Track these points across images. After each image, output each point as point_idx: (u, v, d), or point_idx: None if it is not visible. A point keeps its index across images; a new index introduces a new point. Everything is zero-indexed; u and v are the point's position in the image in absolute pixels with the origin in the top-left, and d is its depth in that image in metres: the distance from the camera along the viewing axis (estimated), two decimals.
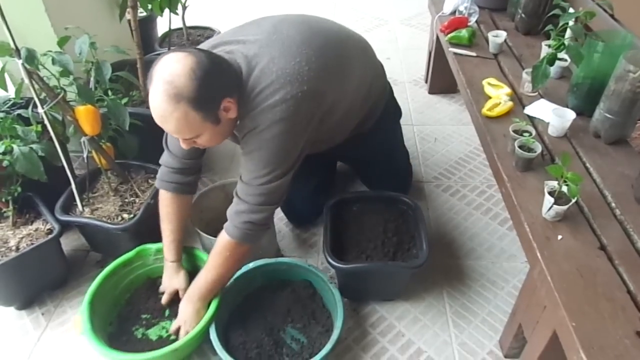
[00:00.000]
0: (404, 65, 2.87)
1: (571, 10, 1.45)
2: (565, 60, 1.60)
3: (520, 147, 1.24)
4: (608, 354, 0.86)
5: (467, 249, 1.70)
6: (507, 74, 1.70)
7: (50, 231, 1.51)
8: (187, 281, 1.39)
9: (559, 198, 1.08)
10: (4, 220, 1.53)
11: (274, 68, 1.13)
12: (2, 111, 1.60)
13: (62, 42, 1.44)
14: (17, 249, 1.44)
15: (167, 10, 2.16)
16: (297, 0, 3.67)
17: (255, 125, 1.14)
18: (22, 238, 1.47)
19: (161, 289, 1.45)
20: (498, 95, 1.51)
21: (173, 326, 1.33)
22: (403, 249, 1.49)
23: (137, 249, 1.49)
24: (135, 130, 1.59)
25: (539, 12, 1.85)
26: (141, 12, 2.42)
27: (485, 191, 1.94)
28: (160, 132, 1.18)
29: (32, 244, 1.45)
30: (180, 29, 2.48)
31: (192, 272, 1.40)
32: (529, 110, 1.48)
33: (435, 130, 2.31)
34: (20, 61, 1.27)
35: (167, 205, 1.40)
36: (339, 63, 1.30)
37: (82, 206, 1.58)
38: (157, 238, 1.45)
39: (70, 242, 1.75)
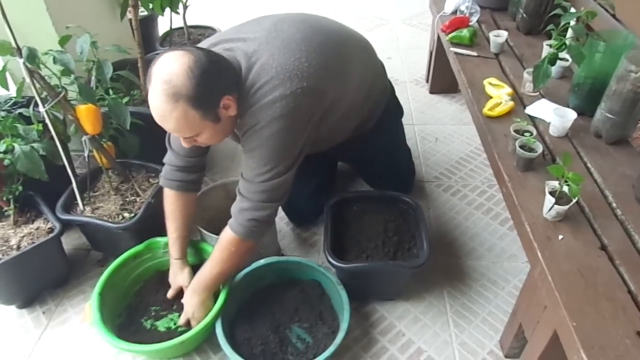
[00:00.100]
0: (404, 64, 2.87)
1: (572, 10, 1.45)
2: (567, 60, 1.59)
3: (521, 147, 1.24)
4: (609, 354, 0.86)
5: (468, 248, 1.70)
6: (508, 73, 1.70)
7: (51, 230, 1.51)
8: (190, 279, 1.40)
9: (559, 198, 1.08)
10: (5, 219, 1.53)
11: (274, 64, 1.13)
12: (4, 110, 1.61)
13: (63, 41, 1.44)
14: (18, 247, 1.44)
15: (168, 10, 2.16)
16: None
17: (255, 122, 1.14)
18: (23, 237, 1.47)
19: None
20: (499, 95, 1.51)
21: (181, 319, 1.35)
22: (403, 248, 1.49)
23: (147, 242, 1.51)
24: (136, 130, 1.59)
25: (540, 12, 1.85)
26: (142, 11, 2.43)
27: (486, 191, 1.94)
28: (161, 131, 1.18)
29: (33, 242, 1.45)
30: (181, 28, 2.48)
31: (198, 266, 1.41)
32: (530, 110, 1.48)
33: (436, 130, 2.31)
34: (21, 60, 1.28)
35: (171, 203, 1.40)
36: (339, 61, 1.30)
37: (83, 205, 1.58)
38: (158, 237, 1.45)
39: (71, 241, 1.75)
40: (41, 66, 1.34)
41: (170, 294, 1.43)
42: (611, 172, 1.24)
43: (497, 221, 1.80)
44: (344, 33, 1.41)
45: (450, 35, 1.93)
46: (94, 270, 1.66)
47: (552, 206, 1.08)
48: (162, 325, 1.41)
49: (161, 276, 1.51)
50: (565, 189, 1.07)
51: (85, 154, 1.53)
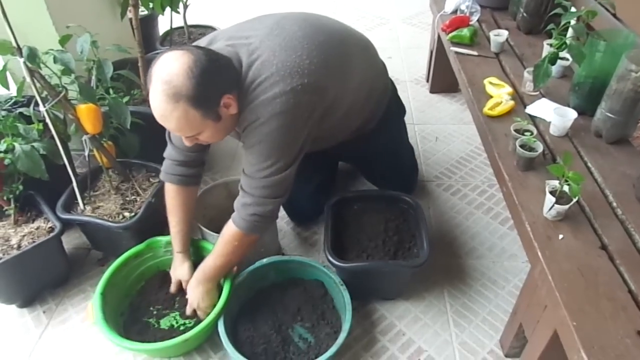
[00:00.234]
0: (405, 64, 2.87)
1: (573, 9, 1.45)
2: (567, 59, 1.59)
3: (521, 146, 1.24)
4: (609, 353, 0.86)
5: (468, 248, 1.70)
6: (509, 73, 1.70)
7: (51, 229, 1.51)
8: (190, 272, 1.40)
9: (560, 197, 1.08)
10: (5, 219, 1.53)
11: (275, 61, 1.14)
12: (4, 109, 1.60)
13: (64, 40, 1.45)
14: (19, 247, 1.44)
15: (168, 9, 2.16)
16: None
17: (256, 118, 1.14)
18: (23, 236, 1.47)
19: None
20: (499, 95, 1.51)
21: (187, 310, 1.36)
22: (404, 247, 1.49)
23: (148, 241, 1.51)
24: (136, 129, 1.59)
25: (541, 11, 1.85)
26: (142, 11, 2.44)
27: (487, 190, 1.94)
28: (161, 131, 1.18)
29: (34, 242, 1.45)
30: (182, 27, 2.48)
31: (199, 264, 1.41)
32: (531, 109, 1.48)
33: (437, 129, 2.31)
34: (22, 59, 1.28)
35: (172, 198, 1.41)
36: (340, 60, 1.30)
37: (84, 204, 1.58)
38: (159, 236, 1.45)
39: (71, 241, 1.75)
40: (41, 65, 1.34)
41: (172, 288, 1.45)
42: (611, 171, 1.24)
43: (498, 220, 1.80)
44: (346, 32, 1.41)
45: (450, 35, 1.93)
46: (95, 270, 1.66)
47: (553, 206, 1.08)
48: (164, 323, 1.42)
49: (163, 275, 1.51)
50: (566, 188, 1.07)
51: (86, 154, 1.53)
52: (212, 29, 2.60)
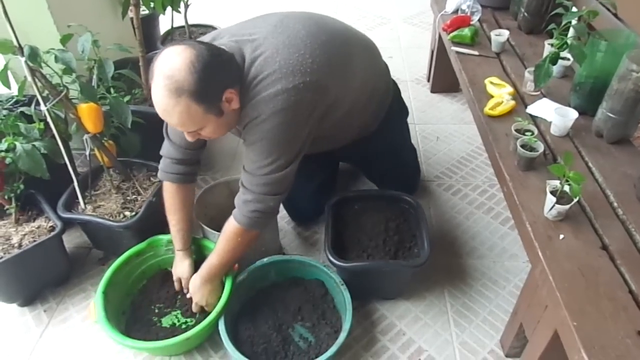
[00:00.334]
0: (406, 64, 2.87)
1: (574, 9, 1.45)
2: (568, 59, 1.59)
3: (522, 146, 1.24)
4: (609, 353, 0.86)
5: (469, 248, 1.70)
6: (510, 73, 1.69)
7: (52, 228, 1.51)
8: (191, 270, 1.41)
9: (561, 197, 1.08)
10: (6, 218, 1.54)
11: (278, 58, 1.14)
12: (5, 109, 1.60)
13: (65, 39, 1.45)
14: (20, 246, 1.44)
15: (169, 8, 2.16)
16: None
17: (257, 115, 1.14)
18: (24, 235, 1.47)
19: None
20: (500, 94, 1.51)
21: (194, 307, 1.37)
22: (404, 247, 1.49)
23: (149, 239, 1.51)
24: (137, 128, 1.59)
25: (542, 11, 1.85)
26: (144, 10, 2.43)
27: (487, 190, 1.94)
28: (162, 131, 1.18)
29: (35, 241, 1.45)
30: (183, 27, 2.48)
31: (200, 262, 1.41)
32: (532, 109, 1.48)
33: (437, 129, 2.31)
34: (23, 59, 1.28)
35: (171, 197, 1.41)
36: (343, 60, 1.30)
37: (85, 204, 1.58)
38: (160, 235, 1.45)
39: (72, 240, 1.75)
40: (43, 65, 1.34)
41: (177, 286, 1.45)
42: (612, 171, 1.24)
43: (498, 220, 1.80)
44: (349, 32, 1.41)
45: (451, 35, 1.93)
46: (95, 269, 1.66)
47: (553, 205, 1.08)
48: (166, 321, 1.42)
49: (164, 274, 1.52)
50: (567, 188, 1.07)
51: (87, 153, 1.53)
52: (213, 28, 2.60)
